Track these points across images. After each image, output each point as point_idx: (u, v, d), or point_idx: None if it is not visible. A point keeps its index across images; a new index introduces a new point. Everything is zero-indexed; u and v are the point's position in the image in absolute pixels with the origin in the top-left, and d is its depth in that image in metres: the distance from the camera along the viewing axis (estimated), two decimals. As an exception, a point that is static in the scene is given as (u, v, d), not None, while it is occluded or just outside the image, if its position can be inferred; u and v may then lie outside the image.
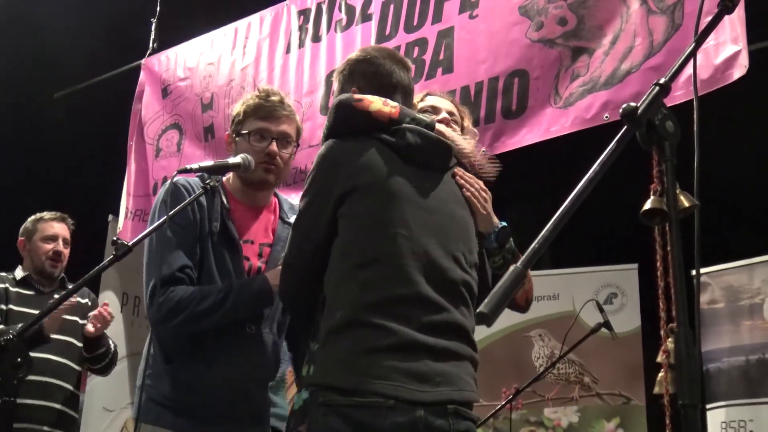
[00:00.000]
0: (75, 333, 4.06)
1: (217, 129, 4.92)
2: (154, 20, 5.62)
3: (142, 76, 5.56)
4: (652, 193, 1.42)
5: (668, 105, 1.40)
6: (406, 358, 2.00)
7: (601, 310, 4.35)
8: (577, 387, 5.85)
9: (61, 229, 4.22)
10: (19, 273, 4.17)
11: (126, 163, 5.42)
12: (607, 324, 4.28)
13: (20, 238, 4.24)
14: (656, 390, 1.93)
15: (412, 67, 2.49)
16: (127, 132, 5.51)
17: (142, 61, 5.59)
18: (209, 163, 2.67)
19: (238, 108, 2.82)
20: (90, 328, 3.88)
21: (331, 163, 2.21)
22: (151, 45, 5.62)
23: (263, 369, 2.69)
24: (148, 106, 5.45)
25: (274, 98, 2.77)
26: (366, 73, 2.39)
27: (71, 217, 4.34)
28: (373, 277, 2.05)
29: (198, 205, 2.67)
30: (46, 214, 4.25)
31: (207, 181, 2.62)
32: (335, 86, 2.49)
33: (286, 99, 2.85)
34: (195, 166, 2.63)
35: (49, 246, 4.14)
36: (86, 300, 4.26)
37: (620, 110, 1.36)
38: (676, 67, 1.46)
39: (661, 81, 1.40)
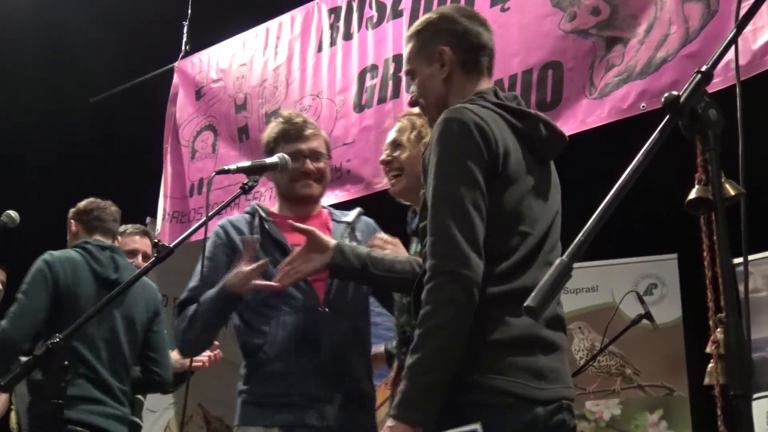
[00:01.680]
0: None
1: (251, 129, 4.95)
2: (185, 23, 5.66)
3: (176, 78, 5.60)
4: (696, 182, 1.40)
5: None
6: (524, 352, 1.92)
7: (642, 302, 4.31)
8: (618, 379, 5.81)
9: (142, 243, 4.17)
10: None
11: (162, 166, 5.47)
12: (648, 315, 4.24)
13: None
14: (707, 381, 1.91)
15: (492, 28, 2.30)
16: (162, 135, 5.56)
17: (175, 64, 5.63)
18: (247, 163, 2.70)
19: (266, 138, 2.93)
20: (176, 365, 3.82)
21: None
22: (183, 48, 5.66)
23: (340, 349, 2.70)
24: (183, 109, 5.49)
25: (298, 120, 2.90)
26: (455, 31, 2.20)
27: None
28: (501, 271, 1.97)
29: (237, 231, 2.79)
30: (129, 228, 4.20)
31: (245, 182, 2.64)
32: (409, 48, 2.28)
33: (309, 119, 2.97)
34: (233, 166, 2.66)
35: (129, 261, 3.95)
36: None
37: (662, 99, 1.34)
38: (717, 54, 1.44)
39: (703, 69, 1.38)
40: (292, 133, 2.86)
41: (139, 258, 4.09)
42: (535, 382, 1.92)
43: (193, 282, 2.77)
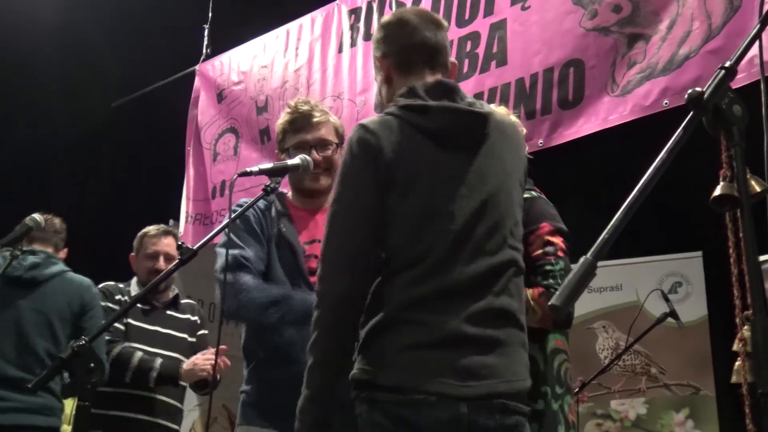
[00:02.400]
0: (182, 349, 4.06)
1: (272, 131, 4.95)
2: (206, 26, 5.69)
3: (197, 81, 5.63)
4: (721, 179, 1.39)
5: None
6: (449, 352, 1.93)
7: (667, 300, 4.28)
8: (644, 378, 5.78)
9: (163, 245, 4.15)
10: (134, 287, 4.15)
11: (185, 169, 5.49)
12: (673, 313, 4.21)
13: (131, 254, 4.22)
14: (734, 379, 1.88)
15: (447, 26, 2.33)
16: (184, 138, 5.58)
17: (197, 67, 5.65)
18: (269, 165, 2.70)
19: (277, 129, 2.93)
20: (202, 373, 3.82)
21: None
22: (204, 51, 5.68)
23: None
24: (204, 112, 5.52)
25: (304, 108, 2.85)
26: (389, 36, 2.27)
27: (131, 223, 4.36)
28: (416, 275, 1.99)
29: (261, 213, 2.79)
30: (151, 230, 4.23)
31: (267, 184, 2.65)
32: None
33: (318, 105, 2.93)
34: (255, 168, 2.66)
35: (151, 264, 4.10)
36: (195, 318, 4.25)
37: (686, 96, 1.33)
38: (741, 50, 1.43)
39: (727, 64, 1.37)
40: (298, 123, 2.83)
41: (161, 260, 4.10)
42: (459, 380, 1.92)
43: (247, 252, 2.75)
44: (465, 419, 1.91)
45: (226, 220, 2.56)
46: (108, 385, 3.75)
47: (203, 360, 3.83)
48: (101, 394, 3.74)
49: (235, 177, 2.76)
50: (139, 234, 4.23)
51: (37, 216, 3.70)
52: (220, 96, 5.43)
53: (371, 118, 2.13)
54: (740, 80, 2.82)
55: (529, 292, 2.46)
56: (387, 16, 2.38)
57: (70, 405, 4.84)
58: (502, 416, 1.96)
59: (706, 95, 1.32)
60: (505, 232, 2.08)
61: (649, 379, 5.77)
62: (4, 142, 7.45)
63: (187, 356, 3.98)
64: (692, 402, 5.64)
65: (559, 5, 3.65)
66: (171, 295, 4.19)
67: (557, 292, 1.20)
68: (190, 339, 4.13)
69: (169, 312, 4.13)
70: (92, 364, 2.08)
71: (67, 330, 3.76)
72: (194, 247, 2.48)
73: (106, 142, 7.43)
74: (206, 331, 4.26)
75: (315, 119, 2.83)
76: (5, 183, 7.47)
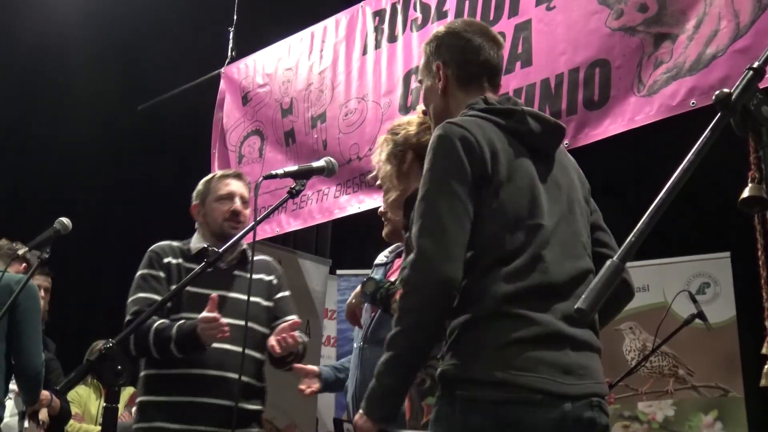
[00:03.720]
0: (256, 317, 3.27)
1: (297, 133, 4.97)
2: (231, 29, 5.71)
3: (222, 84, 5.65)
4: (749, 180, 1.37)
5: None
6: (551, 348, 1.94)
7: (695, 301, 4.25)
8: (671, 380, 5.74)
9: (238, 186, 3.50)
10: (195, 243, 3.44)
11: (210, 171, 5.51)
12: (701, 315, 4.18)
13: (193, 203, 3.55)
14: (763, 383, 1.87)
15: (504, 44, 2.37)
16: (209, 140, 5.61)
17: (222, 69, 5.68)
18: (294, 167, 2.72)
19: None
20: (276, 348, 3.09)
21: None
22: (229, 53, 5.70)
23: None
24: (229, 114, 5.54)
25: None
26: (452, 46, 2.30)
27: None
28: (513, 270, 1.98)
29: None
30: (219, 172, 3.66)
31: (292, 186, 2.66)
32: (422, 59, 2.39)
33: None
34: (280, 171, 2.68)
35: (225, 207, 3.40)
36: (271, 277, 3.48)
37: (713, 97, 1.32)
38: (770, 50, 1.41)
39: (755, 65, 1.35)
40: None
41: (238, 202, 3.42)
42: (563, 377, 1.92)
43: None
44: (570, 417, 1.91)
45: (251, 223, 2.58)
46: (155, 367, 3.25)
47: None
48: (153, 379, 3.26)
49: (260, 179, 2.78)
50: (204, 180, 3.59)
51: (64, 219, 3.73)
52: (245, 98, 5.45)
53: (456, 117, 2.14)
54: (768, 80, 2.79)
55: None
56: (452, 25, 2.40)
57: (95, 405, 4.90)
58: (600, 415, 1.99)
59: (734, 96, 1.30)
60: (583, 240, 2.14)
61: (677, 381, 5.73)
62: (31, 144, 7.53)
63: (263, 324, 3.32)
64: (721, 404, 5.59)
65: (584, 5, 3.63)
66: (239, 251, 3.44)
67: (583, 296, 1.19)
68: (264, 303, 3.37)
69: (236, 272, 3.37)
70: (119, 367, 2.10)
71: (6, 328, 3.82)
72: (219, 250, 2.50)
73: (132, 145, 7.48)
74: (288, 293, 3.51)
75: None
76: (31, 186, 7.54)
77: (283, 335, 3.00)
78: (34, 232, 3.81)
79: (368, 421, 1.98)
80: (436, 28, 2.42)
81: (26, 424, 4.34)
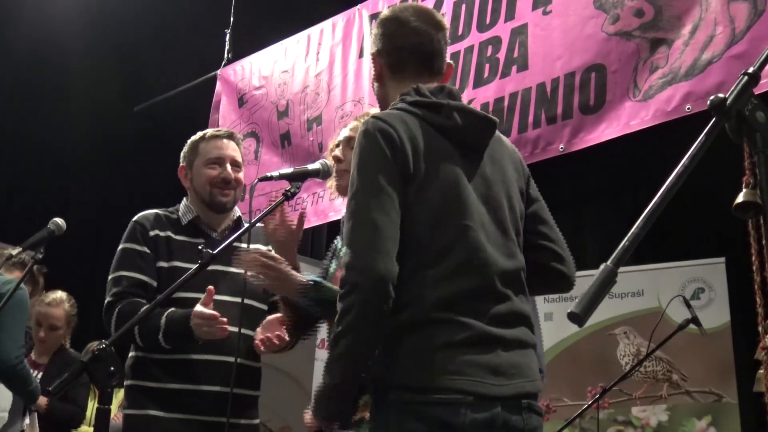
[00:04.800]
0: (254, 293, 2.96)
1: (293, 136, 4.97)
2: (228, 31, 5.71)
3: (218, 86, 5.65)
4: (744, 185, 1.37)
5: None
6: (481, 351, 1.93)
7: (689, 306, 4.25)
8: (665, 385, 5.74)
9: (229, 148, 3.17)
10: (183, 211, 3.17)
11: (206, 173, 5.51)
12: (695, 320, 4.18)
13: (180, 164, 3.28)
14: (756, 388, 1.87)
15: (447, 28, 2.29)
16: (205, 142, 5.60)
17: (218, 71, 5.68)
18: (289, 170, 2.70)
19: None
20: (260, 347, 2.78)
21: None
22: (226, 55, 5.70)
23: None
24: (225, 116, 5.54)
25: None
26: (384, 34, 2.26)
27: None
28: (441, 273, 1.97)
29: None
30: (209, 131, 3.30)
31: (288, 188, 2.64)
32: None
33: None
34: (275, 173, 2.66)
35: (215, 172, 3.11)
36: (268, 247, 2.87)
37: (708, 102, 1.32)
38: (765, 55, 1.41)
39: (750, 70, 1.36)
40: None
41: (228, 167, 3.12)
42: (493, 378, 1.92)
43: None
44: (500, 419, 1.90)
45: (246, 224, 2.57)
46: (144, 350, 2.94)
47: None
48: (142, 362, 2.95)
49: (255, 181, 2.77)
50: (192, 139, 3.29)
51: (59, 220, 3.72)
52: (241, 100, 5.45)
53: (383, 111, 2.13)
54: (764, 86, 2.80)
55: None
56: (386, 12, 2.34)
57: (91, 407, 4.88)
58: (529, 416, 1.97)
59: (729, 101, 1.31)
60: (513, 237, 2.10)
61: (671, 386, 5.73)
62: (27, 145, 7.52)
63: (261, 300, 3.06)
64: (714, 409, 5.60)
65: (581, 10, 3.64)
66: (233, 219, 3.17)
67: (577, 300, 1.19)
68: None
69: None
70: (112, 368, 2.09)
71: None
72: (213, 252, 2.47)
73: (128, 146, 7.47)
74: None
75: None
76: (27, 186, 7.53)
77: (267, 335, 2.75)
78: (29, 233, 3.80)
79: (315, 420, 2.01)
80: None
81: (27, 420, 4.30)
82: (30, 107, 7.41)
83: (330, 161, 2.73)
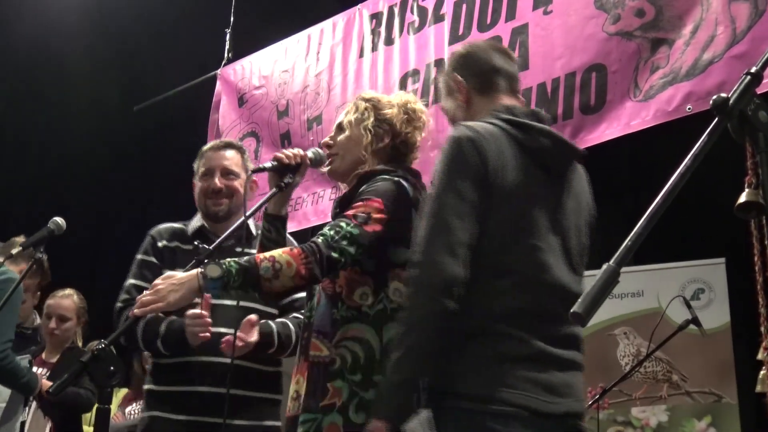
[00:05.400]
0: (254, 296, 2.80)
1: (293, 135, 4.96)
2: (228, 30, 5.70)
3: (218, 86, 5.65)
4: (746, 185, 1.37)
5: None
6: (539, 368, 1.99)
7: (689, 306, 4.25)
8: (665, 385, 5.73)
9: (219, 159, 3.20)
10: (195, 223, 3.25)
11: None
12: (695, 320, 4.18)
13: (193, 181, 3.33)
14: (758, 388, 1.86)
15: (516, 56, 2.47)
16: (205, 142, 5.59)
17: (218, 71, 5.67)
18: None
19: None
20: (223, 347, 2.77)
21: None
22: (226, 55, 5.70)
23: None
24: (225, 116, 5.53)
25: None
26: (466, 62, 2.39)
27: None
28: (505, 286, 2.02)
29: None
30: (208, 144, 3.37)
31: (282, 180, 2.63)
32: (442, 88, 2.48)
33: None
34: (267, 164, 2.65)
35: (206, 184, 3.17)
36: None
37: (710, 102, 1.32)
38: (767, 55, 1.40)
39: (752, 70, 1.35)
40: None
41: (216, 177, 3.17)
42: (546, 395, 1.97)
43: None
44: None
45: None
46: (155, 356, 3.08)
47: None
48: (155, 367, 3.09)
49: (249, 174, 2.77)
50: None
51: (58, 219, 3.71)
52: (241, 100, 5.44)
53: (473, 122, 2.18)
54: (766, 86, 2.79)
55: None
56: (463, 47, 2.51)
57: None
58: None
59: (731, 101, 1.30)
60: (576, 266, 2.17)
61: (671, 387, 5.72)
62: (27, 144, 7.52)
63: (271, 305, 3.09)
64: (714, 410, 5.59)
65: (581, 10, 3.63)
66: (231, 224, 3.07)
67: (579, 300, 1.18)
68: None
69: (238, 249, 2.93)
70: (112, 368, 2.09)
71: None
72: (210, 247, 2.50)
73: (127, 145, 7.47)
74: None
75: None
76: (27, 186, 7.53)
77: (228, 337, 2.75)
78: (29, 232, 3.80)
79: (378, 422, 1.97)
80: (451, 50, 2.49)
81: (28, 411, 4.25)
82: (30, 106, 7.41)
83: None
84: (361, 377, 2.31)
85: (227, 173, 3.18)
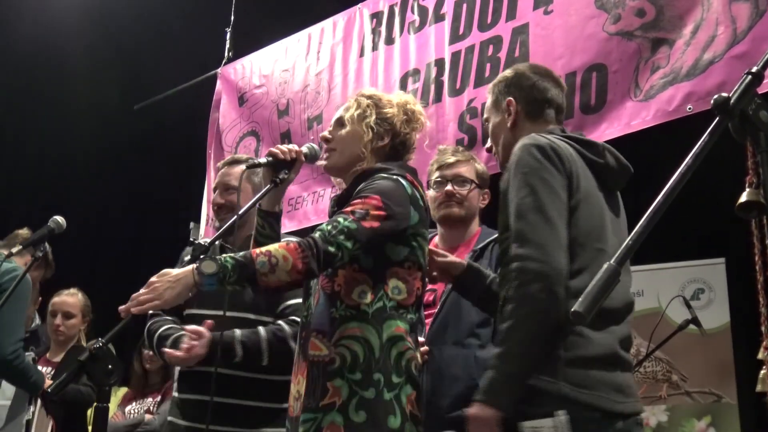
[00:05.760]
0: (257, 307, 3.10)
1: (293, 134, 4.96)
2: (228, 29, 5.70)
3: (219, 85, 5.64)
4: (747, 185, 1.37)
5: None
6: (610, 369, 2.05)
7: (689, 306, 4.24)
8: (665, 385, 5.73)
9: (223, 175, 3.35)
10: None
11: (206, 171, 5.51)
12: (695, 320, 4.17)
13: None
14: (759, 388, 1.86)
15: (565, 87, 2.56)
16: (205, 141, 5.60)
17: (218, 70, 5.67)
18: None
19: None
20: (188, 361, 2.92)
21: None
22: (226, 54, 5.70)
23: None
24: (226, 115, 5.53)
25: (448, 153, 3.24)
26: (522, 86, 2.47)
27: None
28: (579, 287, 2.03)
29: None
30: (223, 161, 3.49)
31: (277, 176, 2.63)
32: (489, 99, 2.54)
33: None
34: (263, 160, 2.65)
35: (216, 200, 3.34)
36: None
37: (711, 101, 1.32)
38: (768, 55, 1.40)
39: (753, 70, 1.35)
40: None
41: (219, 192, 3.32)
42: (616, 395, 2.03)
43: None
44: None
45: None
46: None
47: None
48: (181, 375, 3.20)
49: (244, 169, 2.77)
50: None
51: (59, 218, 3.71)
52: (242, 99, 5.44)
53: (543, 136, 2.26)
54: (767, 86, 2.79)
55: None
56: (518, 68, 2.57)
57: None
58: (641, 430, 2.11)
59: (732, 101, 1.30)
60: (628, 277, 2.28)
61: (671, 386, 5.72)
62: (27, 143, 7.52)
63: (263, 313, 3.13)
64: (714, 410, 5.59)
65: (582, 9, 3.63)
66: (244, 238, 3.21)
67: (580, 299, 1.18)
68: None
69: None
70: (110, 366, 2.09)
71: None
72: (206, 244, 2.52)
73: (128, 144, 7.47)
74: None
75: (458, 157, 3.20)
76: (27, 185, 7.53)
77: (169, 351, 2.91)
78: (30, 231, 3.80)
79: (489, 410, 2.00)
80: (504, 73, 2.58)
81: (33, 409, 4.21)
82: (30, 106, 7.41)
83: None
84: (360, 376, 2.31)
85: (228, 188, 3.28)
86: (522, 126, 2.41)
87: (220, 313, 2.84)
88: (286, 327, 3.04)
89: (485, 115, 2.56)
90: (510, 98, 2.45)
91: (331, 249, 2.29)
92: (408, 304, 2.43)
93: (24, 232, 4.13)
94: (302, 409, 2.37)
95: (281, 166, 2.63)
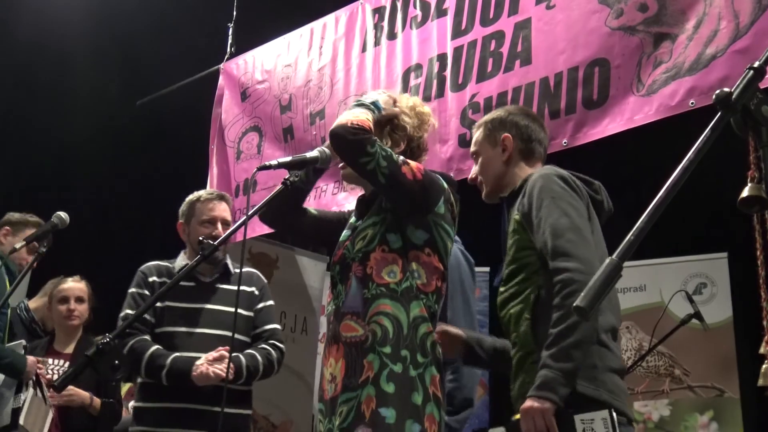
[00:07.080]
0: (237, 327, 3.41)
1: (296, 130, 4.96)
2: (230, 24, 5.70)
3: (221, 80, 5.64)
4: (749, 180, 1.37)
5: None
6: (622, 378, 2.32)
7: (691, 301, 4.25)
8: (667, 380, 5.74)
9: (220, 210, 3.66)
10: (180, 262, 3.68)
11: (208, 167, 5.51)
12: (698, 315, 4.18)
13: (179, 221, 3.73)
14: (761, 382, 1.87)
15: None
16: (208, 136, 5.60)
17: (221, 65, 5.67)
18: (287, 158, 2.72)
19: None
20: (215, 380, 3.35)
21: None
22: (228, 49, 5.69)
23: None
24: (228, 110, 5.53)
25: None
26: (518, 125, 2.69)
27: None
28: (604, 305, 2.20)
29: None
30: (203, 194, 3.75)
31: (286, 177, 2.66)
32: (478, 134, 2.74)
33: None
34: (274, 162, 2.70)
35: (207, 231, 3.59)
36: (252, 288, 3.72)
37: (714, 96, 1.32)
38: (770, 50, 1.41)
39: (755, 64, 1.35)
40: None
41: (219, 226, 3.64)
42: (627, 403, 2.32)
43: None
44: None
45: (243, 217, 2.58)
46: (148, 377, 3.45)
47: (212, 364, 3.36)
48: (144, 386, 3.44)
49: (255, 171, 2.79)
50: (189, 199, 3.74)
51: (62, 214, 3.72)
52: (244, 94, 5.44)
53: (557, 169, 2.51)
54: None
55: None
56: (510, 108, 2.84)
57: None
58: None
59: (734, 95, 1.30)
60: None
61: (673, 381, 5.74)
62: (29, 139, 7.52)
63: (242, 333, 3.54)
64: (716, 404, 5.60)
65: (584, 4, 3.62)
66: (222, 264, 3.68)
67: (582, 294, 1.19)
68: (245, 313, 3.59)
69: (218, 285, 3.62)
70: (117, 361, 2.10)
71: None
72: (214, 243, 2.53)
73: (130, 140, 7.47)
74: (269, 303, 3.72)
75: None
76: (30, 180, 7.53)
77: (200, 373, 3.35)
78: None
79: (545, 402, 2.17)
80: (496, 112, 2.81)
81: (24, 397, 4.08)
82: (32, 101, 7.41)
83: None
84: (390, 350, 2.44)
85: (225, 223, 3.64)
86: (515, 162, 2.64)
87: (192, 330, 3.44)
88: (273, 352, 3.55)
89: (473, 149, 2.74)
90: (507, 134, 2.66)
91: (371, 149, 2.48)
92: (428, 290, 2.56)
93: (34, 219, 4.16)
94: (342, 389, 2.47)
95: (294, 167, 2.69)
